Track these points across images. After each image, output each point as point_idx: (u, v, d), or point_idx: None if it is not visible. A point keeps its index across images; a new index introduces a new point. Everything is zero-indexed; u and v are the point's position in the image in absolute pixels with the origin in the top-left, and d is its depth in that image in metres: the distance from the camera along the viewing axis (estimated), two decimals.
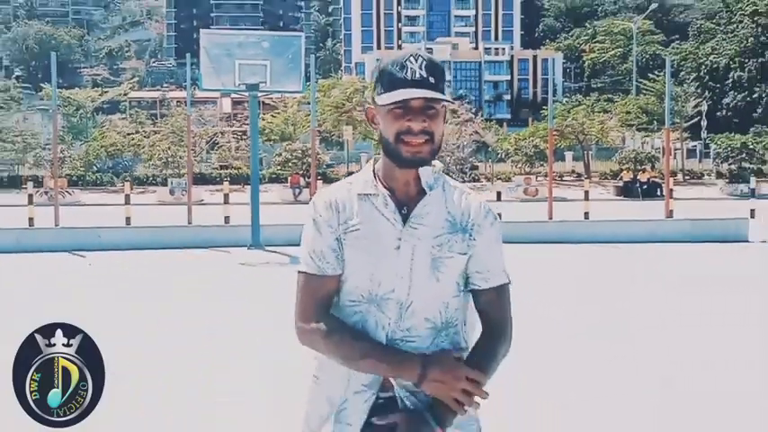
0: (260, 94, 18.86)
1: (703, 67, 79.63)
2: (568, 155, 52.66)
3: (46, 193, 31.02)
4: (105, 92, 67.43)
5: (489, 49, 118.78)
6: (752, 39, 77.80)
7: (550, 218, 20.93)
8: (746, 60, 77.18)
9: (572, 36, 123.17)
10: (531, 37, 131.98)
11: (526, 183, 39.43)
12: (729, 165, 46.59)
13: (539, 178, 41.49)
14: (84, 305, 11.04)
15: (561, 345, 8.33)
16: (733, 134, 52.54)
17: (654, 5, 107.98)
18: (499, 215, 2.45)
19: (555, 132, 32.09)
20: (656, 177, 38.98)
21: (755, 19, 78.80)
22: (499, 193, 23.94)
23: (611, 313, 10.08)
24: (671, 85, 26.31)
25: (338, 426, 2.17)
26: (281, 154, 43.06)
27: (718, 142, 51.03)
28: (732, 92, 76.94)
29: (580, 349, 8.15)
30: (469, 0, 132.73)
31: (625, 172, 42.98)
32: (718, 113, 72.39)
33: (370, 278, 2.14)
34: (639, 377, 7.03)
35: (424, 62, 2.11)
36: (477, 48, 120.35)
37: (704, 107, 60.57)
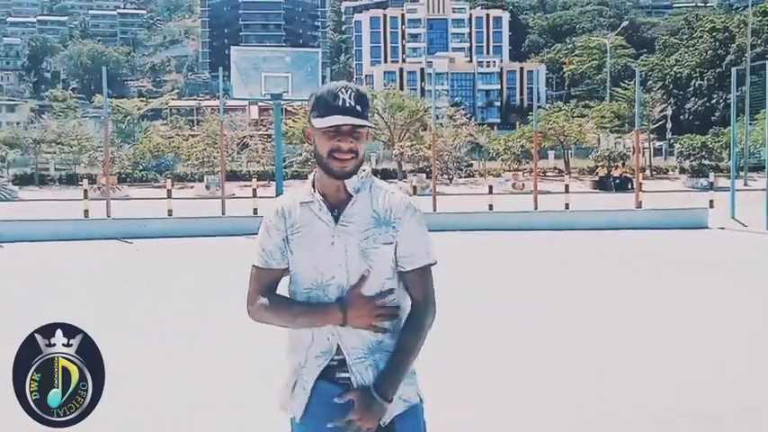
0: (283, 103, 18.86)
1: (668, 76, 79.41)
2: (551, 153, 52.58)
3: (99, 188, 31.08)
4: (149, 101, 67.68)
5: (482, 62, 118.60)
6: (710, 52, 77.56)
7: (536, 208, 20.91)
8: (706, 71, 76.97)
9: (554, 50, 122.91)
10: (518, 51, 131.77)
11: (514, 178, 39.39)
12: (691, 162, 46.42)
13: (525, 174, 41.48)
14: (132, 283, 11.10)
15: (546, 316, 8.35)
16: (694, 135, 52.35)
17: (625, 23, 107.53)
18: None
19: (539, 134, 32.04)
20: (627, 173, 38.91)
21: (714, 35, 78.59)
22: (491, 187, 23.85)
23: (590, 289, 10.10)
24: (640, 92, 26.23)
25: (299, 382, 2.33)
26: (301, 154, 43.15)
27: (681, 142, 50.84)
28: (693, 98, 76.75)
29: (565, 320, 8.15)
30: (464, 20, 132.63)
31: (600, 168, 42.94)
32: (681, 117, 72.23)
33: (315, 269, 2.29)
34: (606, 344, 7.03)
35: (353, 93, 2.25)
36: (471, 61, 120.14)
37: (669, 112, 60.35)
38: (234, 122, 53.75)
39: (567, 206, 21.84)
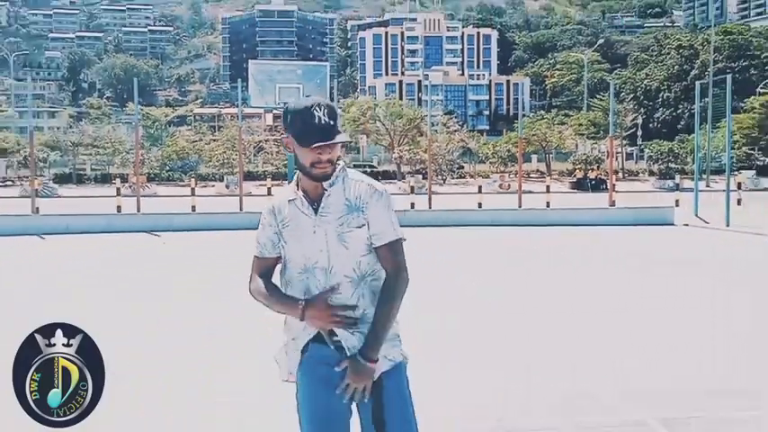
0: None
1: (639, 89, 79.29)
2: (534, 157, 52.55)
3: (130, 186, 31.03)
4: (175, 109, 67.44)
5: (473, 75, 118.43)
6: (677, 67, 77.44)
7: (520, 206, 20.89)
8: (672, 84, 76.88)
9: (537, 65, 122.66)
10: (505, 66, 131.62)
11: (501, 179, 39.30)
12: (659, 165, 46.38)
13: (511, 176, 41.41)
14: (158, 270, 11.12)
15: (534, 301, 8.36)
16: (662, 141, 52.25)
17: (601, 41, 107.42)
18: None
19: (523, 140, 31.99)
20: (601, 175, 38.85)
21: (680, 52, 78.48)
22: (480, 187, 23.84)
23: (568, 279, 10.10)
24: (614, 103, 26.19)
25: (292, 345, 2.49)
26: None
27: (651, 147, 50.79)
28: (661, 108, 76.65)
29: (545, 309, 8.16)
30: (457, 37, 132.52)
31: (578, 170, 42.85)
32: (651, 125, 72.11)
33: (302, 255, 2.42)
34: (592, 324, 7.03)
35: (326, 109, 2.35)
36: (463, 74, 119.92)
37: (639, 120, 60.33)
38: (251, 128, 53.62)
39: (548, 204, 21.84)
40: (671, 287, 9.43)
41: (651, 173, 46.92)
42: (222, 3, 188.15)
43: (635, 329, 6.99)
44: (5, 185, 43.11)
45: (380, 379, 2.39)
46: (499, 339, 6.66)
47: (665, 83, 77.92)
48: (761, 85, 59.48)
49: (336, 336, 2.40)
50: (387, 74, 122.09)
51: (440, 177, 41.82)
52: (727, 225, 17.25)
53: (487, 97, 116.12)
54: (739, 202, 21.31)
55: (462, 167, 49.66)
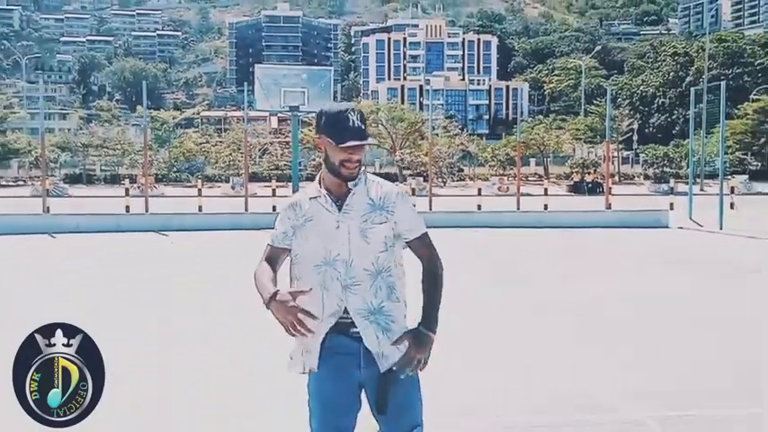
0: (300, 114, 18.85)
1: (635, 95, 79.18)
2: (532, 161, 52.46)
3: (138, 187, 31.05)
4: (183, 112, 67.37)
5: (473, 80, 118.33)
6: (672, 73, 77.35)
7: (518, 208, 20.89)
8: (668, 90, 76.77)
9: (536, 71, 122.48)
10: (504, 71, 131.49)
11: (500, 182, 39.28)
12: (654, 169, 46.37)
13: (510, 178, 41.38)
14: (166, 267, 11.13)
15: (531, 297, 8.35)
16: (657, 146, 52.26)
17: (598, 48, 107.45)
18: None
19: (522, 144, 31.98)
20: (598, 178, 38.80)
21: (675, 59, 78.38)
22: (480, 190, 23.89)
23: (566, 278, 10.10)
24: (610, 108, 26.18)
25: (312, 339, 2.47)
26: (314, 159, 43.03)
27: (646, 152, 50.80)
28: (657, 114, 76.54)
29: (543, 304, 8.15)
30: (458, 43, 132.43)
31: (575, 174, 42.83)
32: (646, 130, 72.01)
33: (324, 248, 2.52)
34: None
35: (358, 114, 2.52)
36: (463, 79, 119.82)
37: (635, 125, 60.32)
38: (256, 131, 53.67)
39: (546, 207, 21.83)
40: (666, 287, 9.42)
41: (646, 177, 46.85)
42: (229, 8, 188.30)
43: (631, 329, 6.99)
44: (17, 185, 43.17)
45: (393, 369, 2.48)
46: (499, 338, 6.65)
47: (661, 89, 77.80)
48: (754, 92, 59.43)
49: (355, 327, 2.50)
50: (389, 78, 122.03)
51: (440, 180, 41.80)
52: (721, 228, 17.23)
53: (487, 102, 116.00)
54: (732, 205, 21.33)
55: (462, 170, 49.59)
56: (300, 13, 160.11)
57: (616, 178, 44.05)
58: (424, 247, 2.60)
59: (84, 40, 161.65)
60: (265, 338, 6.45)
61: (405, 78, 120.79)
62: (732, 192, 23.69)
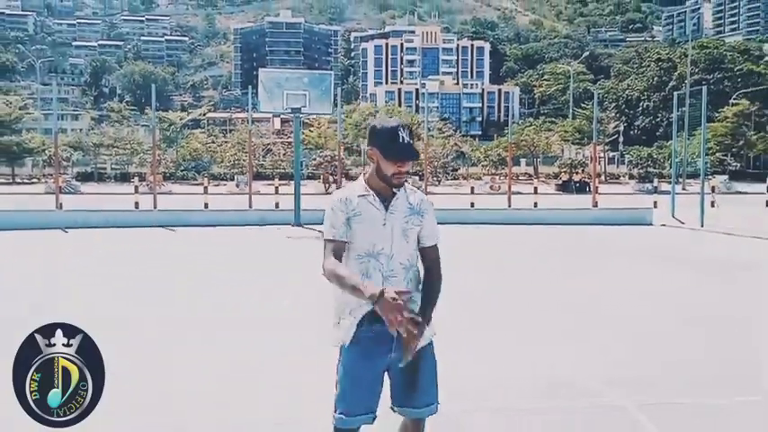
0: (301, 116, 18.80)
1: (621, 98, 79.33)
2: (523, 161, 52.52)
3: (147, 185, 31.02)
4: (189, 113, 67.22)
5: (466, 84, 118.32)
6: (656, 78, 77.48)
7: (509, 206, 20.90)
8: (652, 94, 76.93)
9: (526, 75, 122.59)
10: (496, 76, 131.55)
11: (492, 181, 39.31)
12: (639, 169, 46.41)
13: (501, 178, 41.39)
14: (173, 258, 11.10)
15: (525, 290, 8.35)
16: (642, 147, 52.37)
17: (585, 54, 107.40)
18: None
19: (513, 145, 31.98)
20: (585, 178, 38.87)
21: (659, 64, 78.52)
22: (473, 188, 23.90)
23: (556, 269, 10.10)
24: (597, 111, 26.19)
25: (349, 316, 2.66)
26: (315, 159, 42.96)
27: (631, 153, 50.84)
28: (641, 116, 76.71)
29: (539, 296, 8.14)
30: (452, 49, 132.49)
31: (563, 174, 42.86)
32: (631, 132, 72.17)
33: (370, 242, 2.68)
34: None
35: (407, 130, 2.66)
36: (457, 83, 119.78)
37: (621, 127, 60.32)
38: (260, 131, 53.55)
39: (535, 204, 21.85)
40: (649, 280, 9.43)
41: (631, 176, 46.90)
42: (234, 15, 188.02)
43: (615, 319, 6.99)
44: (32, 182, 43.10)
45: (422, 350, 2.66)
46: (491, 327, 6.65)
47: (645, 93, 77.93)
48: (733, 96, 59.51)
49: None
50: (387, 82, 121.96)
51: (435, 179, 41.81)
52: (702, 225, 17.25)
53: (480, 105, 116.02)
54: (713, 204, 21.34)
55: (456, 170, 49.62)
56: (302, 19, 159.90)
57: (602, 178, 44.14)
58: (434, 254, 2.79)
59: (95, 44, 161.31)
60: (267, 336, 6.41)
61: (402, 82, 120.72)
62: (713, 191, 23.71)
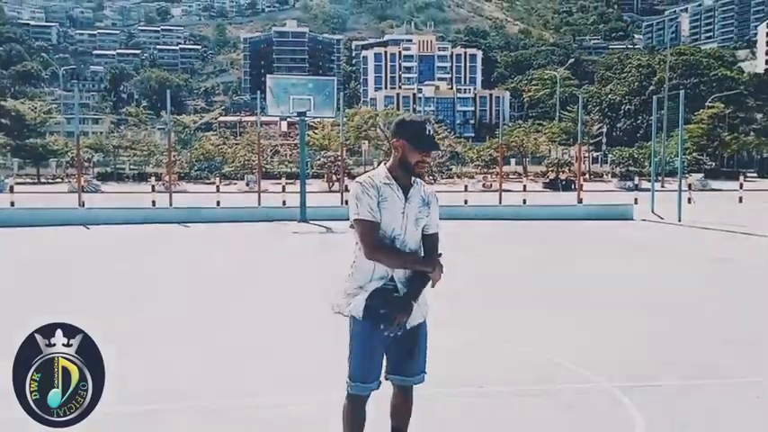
0: (306, 119, 18.79)
1: (604, 102, 79.22)
2: (513, 161, 52.44)
3: (163, 184, 31.01)
4: (202, 117, 67.17)
5: (460, 89, 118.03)
6: (637, 83, 77.44)
7: (500, 203, 20.90)
8: (633, 98, 76.85)
9: (516, 81, 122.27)
10: (488, 81, 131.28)
11: (484, 179, 39.32)
12: (621, 168, 46.34)
13: (492, 176, 41.38)
14: (186, 251, 11.12)
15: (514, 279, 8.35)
16: (623, 147, 52.31)
17: (571, 60, 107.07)
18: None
19: (503, 146, 31.94)
20: (571, 176, 38.84)
21: (640, 70, 78.52)
22: (466, 186, 23.86)
23: (544, 260, 10.12)
24: (582, 114, 26.16)
25: (361, 293, 2.76)
26: (320, 159, 42.92)
27: (614, 153, 50.81)
28: (623, 119, 76.62)
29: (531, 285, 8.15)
30: (447, 56, 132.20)
31: (550, 172, 42.86)
32: (614, 133, 72.06)
33: (389, 226, 2.76)
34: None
35: (432, 126, 2.87)
36: (452, 88, 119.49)
37: (604, 129, 60.25)
38: (268, 134, 53.50)
39: (524, 201, 21.85)
40: (630, 269, 9.45)
41: (614, 175, 46.85)
42: (243, 24, 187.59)
43: (599, 306, 7.01)
44: (55, 182, 43.14)
45: (419, 326, 2.86)
46: (481, 314, 6.67)
47: (627, 97, 77.82)
48: (709, 100, 59.44)
49: (398, 292, 2.76)
50: (386, 87, 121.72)
51: (431, 177, 41.78)
52: (679, 220, 17.27)
53: (473, 108, 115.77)
54: (690, 200, 21.36)
55: (451, 169, 49.57)
56: (307, 29, 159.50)
57: (587, 176, 44.07)
58: (434, 242, 2.89)
59: (114, 52, 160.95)
60: (264, 337, 6.37)
61: (400, 87, 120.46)
62: (689, 188, 23.71)
